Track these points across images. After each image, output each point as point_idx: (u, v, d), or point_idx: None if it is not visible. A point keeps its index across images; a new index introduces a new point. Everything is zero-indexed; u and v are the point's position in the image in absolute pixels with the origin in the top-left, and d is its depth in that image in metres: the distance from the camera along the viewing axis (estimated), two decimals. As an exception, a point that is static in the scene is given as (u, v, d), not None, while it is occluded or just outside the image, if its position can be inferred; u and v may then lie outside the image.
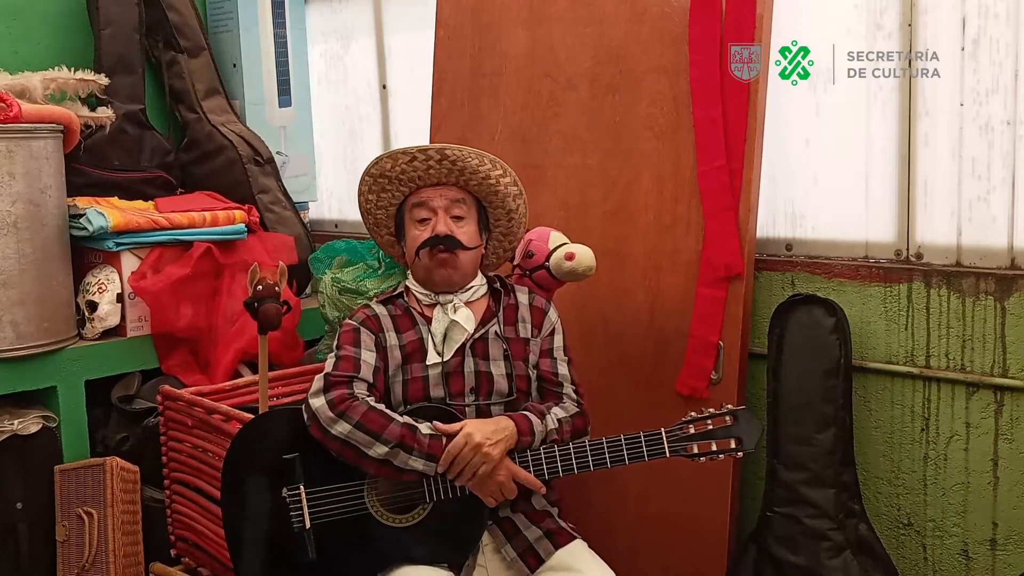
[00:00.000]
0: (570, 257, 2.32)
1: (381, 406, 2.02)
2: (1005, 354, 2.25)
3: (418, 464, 1.97)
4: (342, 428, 1.97)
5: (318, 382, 2.06)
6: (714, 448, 2.00)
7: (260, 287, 2.47)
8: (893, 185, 2.41)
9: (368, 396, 2.04)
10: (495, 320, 2.19)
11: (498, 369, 2.14)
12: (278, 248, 3.28)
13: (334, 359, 2.10)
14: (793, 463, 2.41)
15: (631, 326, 2.63)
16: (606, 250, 2.53)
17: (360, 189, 2.23)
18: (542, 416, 2.08)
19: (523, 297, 2.25)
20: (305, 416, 2.04)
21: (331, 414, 1.99)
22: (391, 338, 2.15)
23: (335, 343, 2.15)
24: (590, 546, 2.13)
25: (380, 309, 2.20)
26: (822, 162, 2.53)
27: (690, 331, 2.52)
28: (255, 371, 2.81)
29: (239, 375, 3.06)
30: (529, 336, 2.19)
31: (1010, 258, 2.25)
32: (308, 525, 2.04)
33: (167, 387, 2.81)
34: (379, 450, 1.96)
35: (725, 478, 2.49)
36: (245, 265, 2.90)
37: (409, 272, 2.25)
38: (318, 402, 2.01)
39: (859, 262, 2.46)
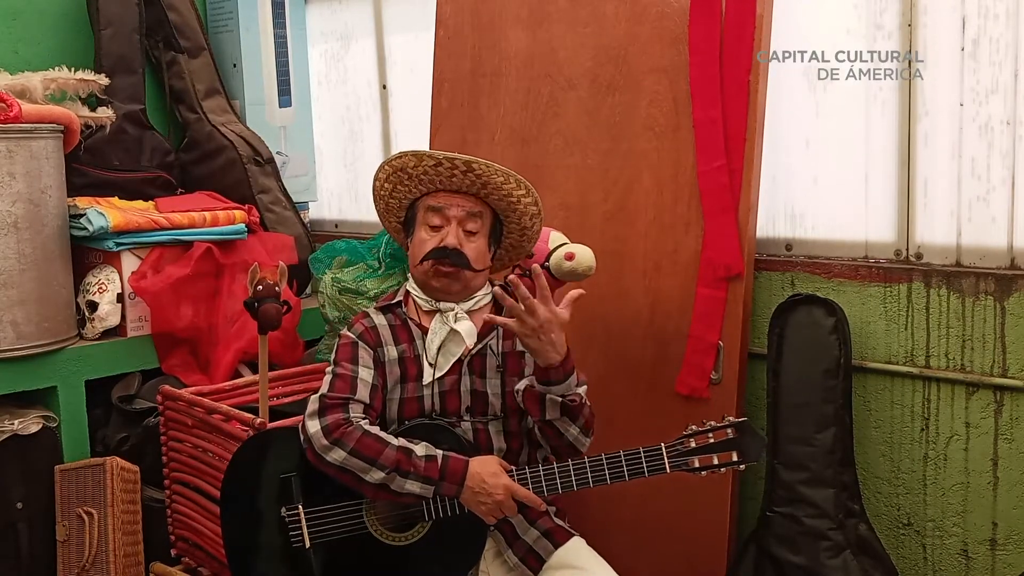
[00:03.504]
0: (570, 257, 2.32)
1: (375, 429, 1.99)
2: (1005, 354, 2.25)
3: (415, 487, 1.95)
4: (337, 455, 1.95)
5: (313, 403, 2.02)
6: (715, 461, 1.97)
7: (260, 287, 2.47)
8: (893, 185, 2.41)
9: (363, 419, 2.01)
10: (494, 333, 2.15)
11: (492, 388, 2.11)
12: (278, 248, 3.28)
13: (331, 377, 2.07)
14: (793, 463, 2.41)
15: (631, 326, 2.63)
16: (606, 250, 2.53)
17: (377, 175, 2.18)
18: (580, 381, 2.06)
19: None
20: (301, 438, 2.02)
21: (326, 442, 1.96)
22: (390, 352, 2.12)
23: (333, 356, 2.12)
24: (590, 545, 2.12)
25: (379, 319, 2.16)
26: (822, 162, 2.53)
27: (690, 331, 2.52)
28: (255, 371, 2.81)
29: (239, 375, 3.06)
30: (525, 350, 2.14)
31: (1010, 258, 2.26)
32: (308, 544, 2.04)
33: (167, 387, 2.81)
34: (375, 476, 1.94)
35: (725, 478, 2.49)
36: (245, 265, 2.90)
37: (410, 274, 2.22)
38: (313, 427, 1.98)
39: (859, 262, 2.46)
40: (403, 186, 2.15)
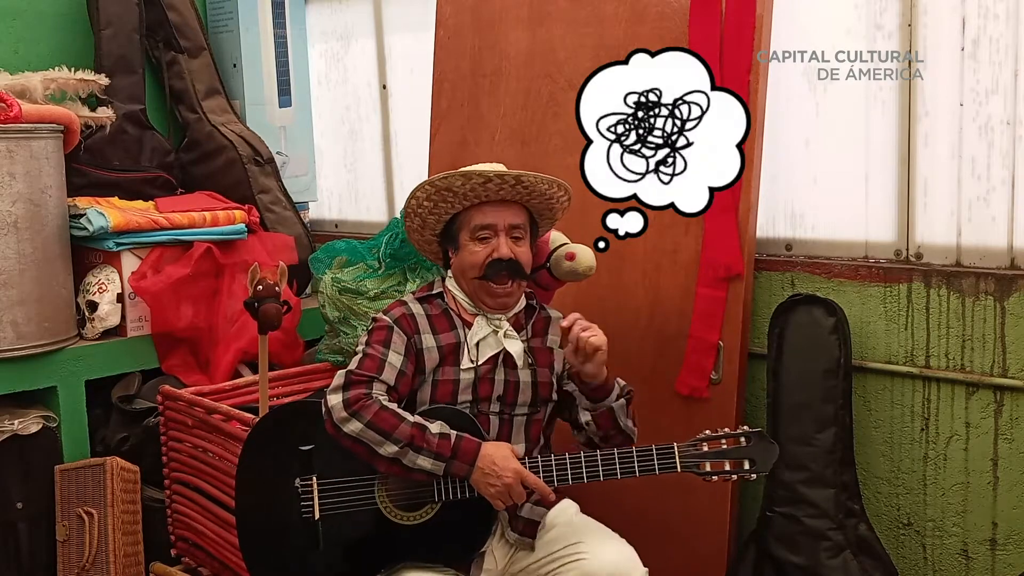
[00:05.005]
0: (570, 257, 2.32)
1: (393, 406, 2.02)
2: (1005, 354, 2.25)
3: (426, 463, 1.98)
4: (354, 427, 1.99)
5: (339, 378, 2.06)
6: (727, 468, 1.99)
7: (260, 287, 2.47)
8: (893, 185, 2.41)
9: (383, 396, 2.04)
10: (524, 331, 2.20)
11: (525, 377, 2.16)
12: (278, 248, 3.28)
13: (360, 355, 2.10)
14: (793, 463, 2.41)
15: (631, 326, 2.63)
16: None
17: (415, 195, 2.16)
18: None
19: (555, 315, 2.26)
20: (323, 411, 2.05)
21: (345, 413, 1.99)
22: (427, 340, 2.14)
23: (366, 338, 2.14)
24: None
25: (417, 308, 2.18)
26: (822, 162, 2.53)
27: (690, 331, 2.52)
28: (255, 371, 2.82)
29: (239, 375, 3.06)
30: (555, 347, 2.21)
31: (1010, 258, 2.26)
32: (318, 516, 2.06)
33: (167, 387, 2.81)
34: (389, 449, 1.97)
35: (725, 478, 2.50)
36: (245, 265, 2.90)
37: (449, 274, 2.23)
38: (335, 400, 2.02)
39: (859, 262, 2.46)
40: (446, 203, 2.16)
